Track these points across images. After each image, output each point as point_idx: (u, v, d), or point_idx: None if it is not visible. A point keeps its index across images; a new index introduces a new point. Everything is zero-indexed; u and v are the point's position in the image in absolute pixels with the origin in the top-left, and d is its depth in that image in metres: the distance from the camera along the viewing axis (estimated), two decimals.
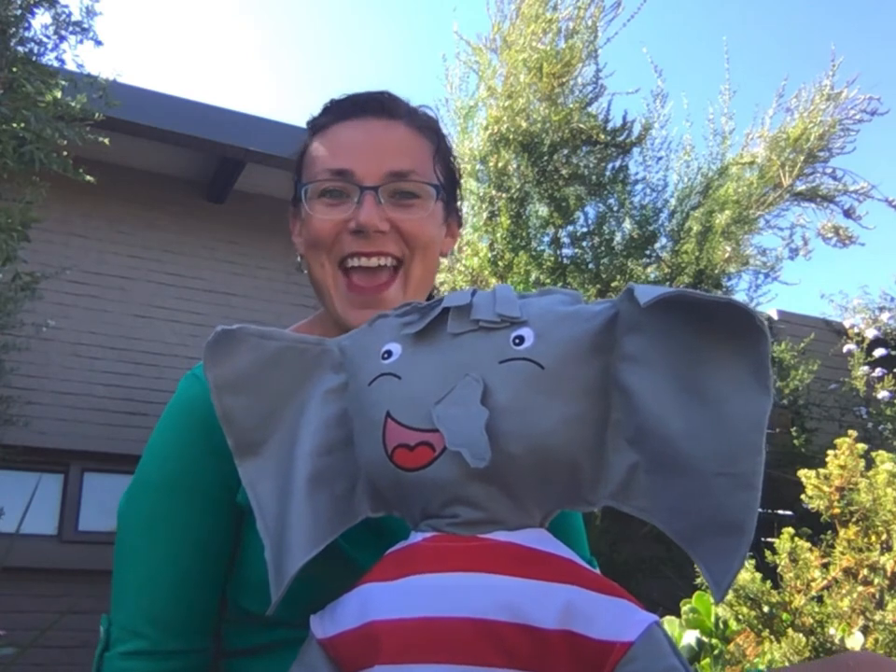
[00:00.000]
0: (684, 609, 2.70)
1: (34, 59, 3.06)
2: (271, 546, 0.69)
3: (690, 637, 2.62)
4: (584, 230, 4.54)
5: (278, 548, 0.68)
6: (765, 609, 2.60)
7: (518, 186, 4.33)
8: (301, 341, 0.75)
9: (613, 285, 4.31)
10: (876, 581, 2.57)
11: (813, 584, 2.62)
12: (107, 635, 0.79)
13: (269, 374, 0.73)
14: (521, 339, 0.65)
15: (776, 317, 6.10)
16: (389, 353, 0.69)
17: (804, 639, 2.46)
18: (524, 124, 4.32)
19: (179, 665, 0.79)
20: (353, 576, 0.69)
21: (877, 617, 2.44)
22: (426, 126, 0.92)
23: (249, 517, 0.79)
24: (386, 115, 0.90)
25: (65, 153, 3.11)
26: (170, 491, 0.81)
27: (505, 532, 0.63)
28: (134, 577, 0.80)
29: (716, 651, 2.59)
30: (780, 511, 4.14)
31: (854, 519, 2.72)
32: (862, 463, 2.79)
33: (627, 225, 4.55)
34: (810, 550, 2.70)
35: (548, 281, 4.27)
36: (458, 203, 0.98)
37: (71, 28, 3.11)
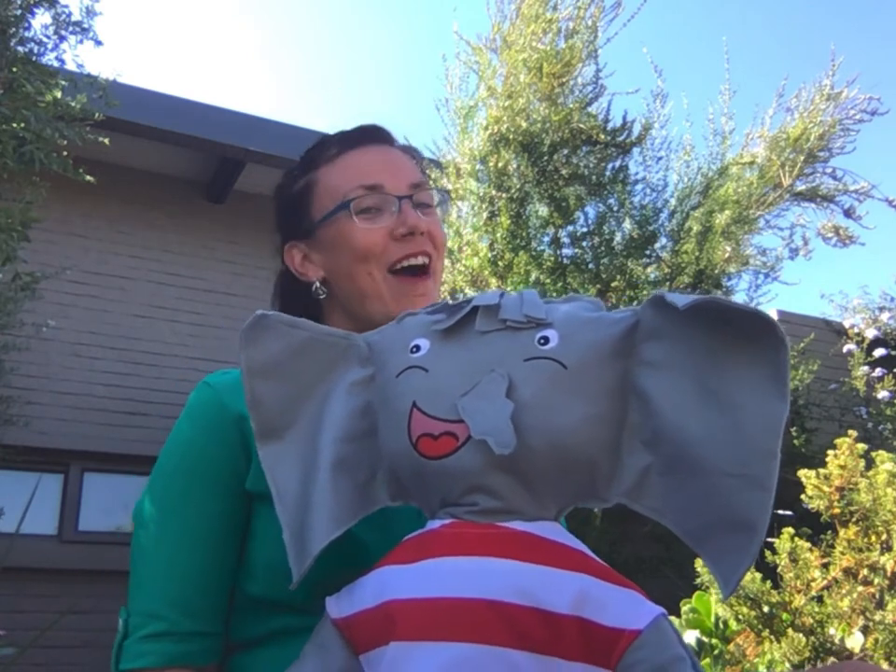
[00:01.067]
0: (684, 609, 2.70)
1: (34, 59, 3.06)
2: (290, 528, 0.72)
3: (690, 637, 2.61)
4: (584, 230, 4.54)
5: (299, 529, 0.71)
6: (765, 608, 2.60)
7: (518, 186, 4.33)
8: (330, 334, 0.78)
9: (613, 285, 4.31)
10: (876, 581, 2.57)
11: (813, 584, 2.62)
12: (125, 625, 0.82)
13: (297, 362, 0.76)
14: (546, 339, 0.68)
15: (776, 317, 6.09)
16: (418, 347, 0.72)
17: (804, 639, 2.46)
18: (524, 124, 4.32)
19: (197, 648, 0.81)
20: (359, 556, 0.72)
21: (877, 617, 2.44)
22: (407, 148, 1.04)
23: (256, 504, 0.84)
24: (386, 142, 1.01)
25: (65, 153, 3.11)
26: (186, 480, 0.85)
27: (521, 522, 0.65)
28: (153, 564, 0.83)
29: (716, 651, 2.59)
30: (780, 511, 4.14)
31: (854, 519, 2.72)
32: (862, 463, 2.79)
33: (627, 225, 4.55)
34: (810, 550, 2.70)
35: (548, 281, 4.27)
36: None
37: (71, 28, 3.11)
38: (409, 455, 0.67)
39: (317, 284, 0.98)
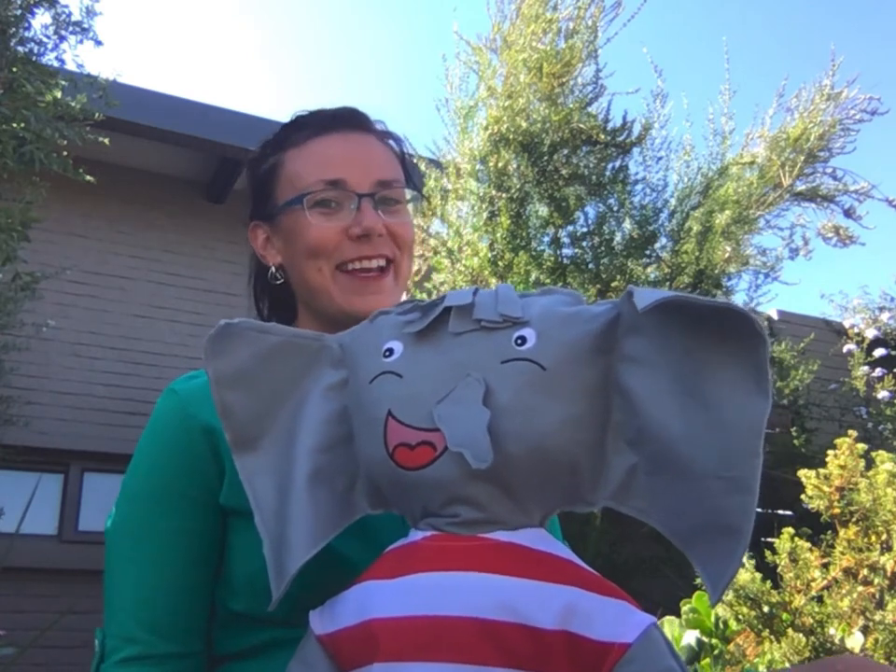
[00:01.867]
0: (684, 609, 2.70)
1: (34, 59, 3.06)
2: (269, 542, 0.69)
3: (690, 637, 2.61)
4: (584, 230, 4.54)
5: (278, 545, 0.69)
6: (765, 609, 2.60)
7: (518, 186, 4.33)
8: (301, 336, 0.75)
9: (613, 285, 4.31)
10: (876, 581, 2.57)
11: (813, 584, 2.62)
12: (102, 647, 0.80)
13: (268, 369, 0.73)
14: (523, 339, 0.65)
15: (776, 317, 6.10)
16: (391, 351, 0.69)
17: (804, 639, 2.46)
18: (524, 124, 4.32)
19: (175, 669, 0.79)
20: (338, 568, 0.70)
21: (877, 617, 2.44)
22: (387, 135, 0.99)
23: (232, 519, 0.81)
24: (361, 128, 0.95)
25: (65, 153, 3.11)
26: (154, 498, 0.82)
27: (505, 532, 0.63)
28: (125, 585, 0.81)
29: (716, 651, 2.59)
30: (780, 511, 4.15)
31: (854, 519, 2.72)
32: (862, 463, 2.79)
33: (627, 225, 4.55)
34: (810, 550, 2.70)
35: (548, 281, 4.26)
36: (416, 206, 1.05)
37: (71, 28, 3.11)
38: (386, 464, 0.65)
39: (273, 269, 0.96)
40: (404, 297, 0.95)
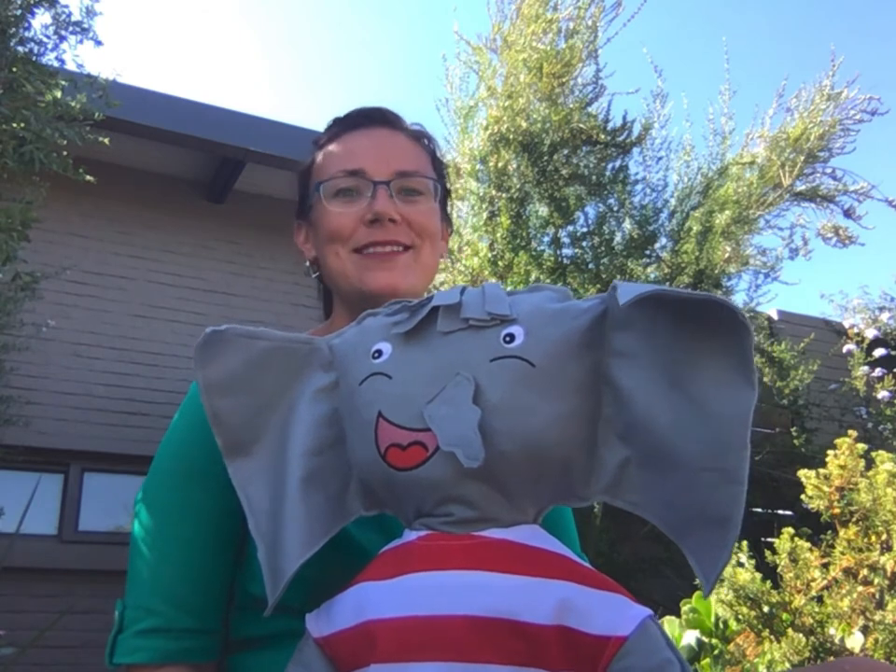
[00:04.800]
0: (684, 609, 2.70)
1: (34, 59, 3.05)
2: (264, 547, 0.70)
3: (690, 637, 2.61)
4: (584, 230, 4.54)
5: (273, 549, 0.69)
6: (765, 608, 2.60)
7: (518, 186, 4.33)
8: (291, 340, 0.76)
9: None
10: (876, 581, 2.57)
11: (813, 584, 2.62)
12: (121, 617, 0.81)
13: (258, 374, 0.73)
14: (511, 337, 0.65)
15: (776, 317, 6.10)
16: (379, 352, 0.69)
17: (804, 639, 2.45)
18: (524, 124, 4.32)
19: (192, 645, 0.80)
20: (356, 556, 0.70)
21: (877, 617, 2.44)
22: (422, 137, 1.02)
23: None
24: (389, 125, 0.99)
25: (65, 153, 3.10)
26: (186, 475, 0.84)
27: (499, 529, 0.63)
28: (150, 557, 0.82)
29: (716, 651, 2.59)
30: (780, 511, 4.14)
31: (854, 519, 2.72)
32: (862, 463, 2.79)
33: (627, 225, 4.55)
34: (810, 550, 2.70)
35: (548, 281, 4.26)
36: (448, 210, 1.07)
37: (71, 28, 3.10)
38: (378, 465, 0.65)
39: (307, 263, 1.00)
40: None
